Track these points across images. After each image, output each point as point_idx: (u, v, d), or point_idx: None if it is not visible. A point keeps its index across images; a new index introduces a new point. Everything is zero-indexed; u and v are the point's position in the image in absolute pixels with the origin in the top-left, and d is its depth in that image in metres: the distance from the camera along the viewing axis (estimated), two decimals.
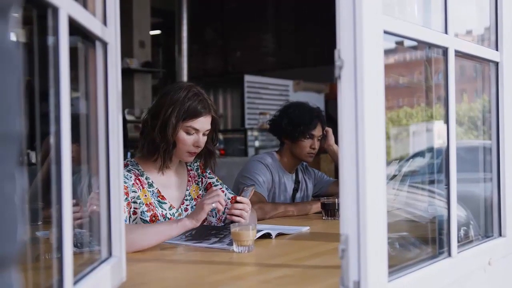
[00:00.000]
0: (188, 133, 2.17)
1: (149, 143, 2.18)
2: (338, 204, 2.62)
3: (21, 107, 0.53)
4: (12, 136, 0.51)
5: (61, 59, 1.00)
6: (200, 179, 2.39)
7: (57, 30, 0.99)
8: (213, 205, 1.96)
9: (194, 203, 2.32)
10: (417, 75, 2.04)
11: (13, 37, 0.52)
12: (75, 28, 1.10)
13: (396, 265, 1.31)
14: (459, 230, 1.60)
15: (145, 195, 2.16)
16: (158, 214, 2.17)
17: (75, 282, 1.07)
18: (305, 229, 2.33)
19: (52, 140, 1.00)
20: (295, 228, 2.29)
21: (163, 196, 2.22)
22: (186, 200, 2.31)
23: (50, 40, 1.01)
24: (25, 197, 0.54)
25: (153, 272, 1.64)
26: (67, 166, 1.00)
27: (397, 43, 1.44)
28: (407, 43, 1.55)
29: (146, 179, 2.20)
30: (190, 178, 2.36)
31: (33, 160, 2.63)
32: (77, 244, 1.31)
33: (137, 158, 2.26)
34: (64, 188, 1.00)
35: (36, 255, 1.28)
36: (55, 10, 0.99)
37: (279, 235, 2.15)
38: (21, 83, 0.54)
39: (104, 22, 1.34)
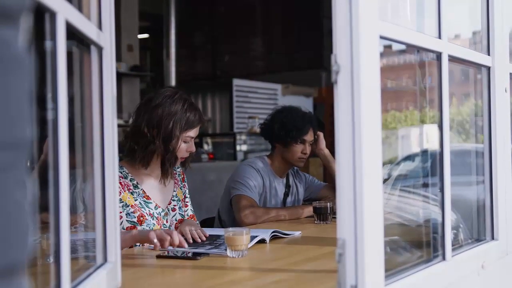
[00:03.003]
0: (185, 142, 2.28)
1: (149, 154, 2.24)
2: (330, 208, 2.64)
3: (31, 114, 0.53)
4: (22, 143, 0.51)
5: (59, 63, 0.99)
6: (183, 185, 2.50)
7: (54, 34, 0.99)
8: (155, 241, 1.90)
9: (181, 204, 2.42)
10: (405, 79, 2.05)
11: (23, 43, 0.51)
12: (70, 32, 1.10)
13: (392, 269, 1.31)
14: None
15: (128, 198, 2.22)
16: (145, 214, 2.23)
17: None
18: (297, 233, 2.33)
19: (49, 144, 0.99)
20: (288, 232, 2.28)
21: (148, 196, 2.28)
22: (174, 200, 2.39)
23: (47, 44, 1.00)
24: (36, 204, 0.54)
25: (148, 278, 1.63)
26: (64, 172, 1.00)
27: (385, 46, 1.44)
28: (396, 47, 1.56)
29: (130, 180, 2.26)
30: (176, 180, 2.44)
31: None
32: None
33: (124, 161, 2.31)
34: (62, 194, 0.99)
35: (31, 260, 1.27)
36: (53, 14, 0.98)
37: (274, 238, 2.15)
38: (31, 89, 0.54)
39: (99, 27, 1.33)
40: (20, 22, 0.52)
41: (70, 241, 1.02)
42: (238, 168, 3.03)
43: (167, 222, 2.32)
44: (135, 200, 2.22)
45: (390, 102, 1.93)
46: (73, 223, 1.29)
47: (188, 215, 2.45)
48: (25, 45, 0.54)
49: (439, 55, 1.51)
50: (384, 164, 1.84)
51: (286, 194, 3.10)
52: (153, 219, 2.24)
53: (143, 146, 2.22)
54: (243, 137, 7.41)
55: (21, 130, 0.51)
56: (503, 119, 1.83)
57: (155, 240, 1.88)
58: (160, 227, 2.26)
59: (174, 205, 2.38)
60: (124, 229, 2.16)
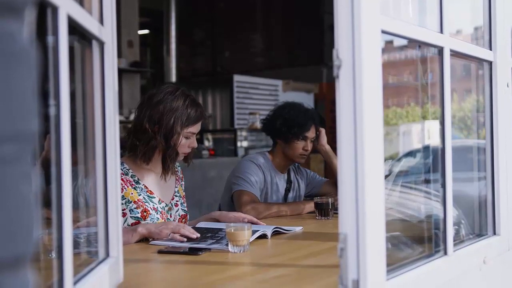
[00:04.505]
0: (187, 137, 2.29)
1: (151, 149, 2.25)
2: (332, 203, 2.64)
3: (37, 107, 0.53)
4: (28, 136, 0.51)
5: (61, 58, 0.99)
6: (182, 183, 2.51)
7: (56, 29, 0.98)
8: (170, 236, 2.02)
9: (182, 200, 2.44)
10: (406, 74, 2.05)
11: (27, 36, 0.51)
12: (72, 27, 1.09)
13: (393, 263, 1.31)
14: None
15: (132, 193, 2.23)
16: (149, 209, 2.24)
17: (75, 283, 1.07)
18: (299, 229, 2.33)
19: (52, 140, 0.99)
20: (289, 228, 2.29)
21: (151, 191, 2.29)
22: (176, 196, 2.41)
23: (49, 39, 1.00)
24: (40, 197, 0.54)
25: (150, 273, 1.63)
26: (67, 167, 1.00)
27: (386, 42, 1.44)
28: (396, 43, 1.56)
29: (131, 177, 2.27)
30: (177, 177, 2.46)
31: None
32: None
33: (125, 157, 2.32)
34: (64, 190, 0.99)
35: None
36: (55, 9, 0.98)
37: (275, 233, 2.16)
38: (37, 82, 0.54)
39: (101, 22, 1.33)
40: (25, 15, 0.52)
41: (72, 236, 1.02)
42: (239, 163, 3.03)
43: (170, 216, 2.33)
44: (139, 195, 2.23)
45: (391, 98, 1.93)
46: (74, 228, 1.29)
47: (179, 215, 2.46)
48: (30, 38, 0.54)
49: (440, 50, 1.51)
50: (385, 160, 1.84)
51: (287, 190, 3.10)
52: (157, 214, 2.25)
53: (145, 142, 2.23)
54: (244, 133, 7.40)
55: (26, 123, 0.51)
56: (505, 114, 1.82)
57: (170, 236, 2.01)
58: (165, 221, 2.27)
59: (177, 201, 2.40)
60: (129, 225, 2.17)
